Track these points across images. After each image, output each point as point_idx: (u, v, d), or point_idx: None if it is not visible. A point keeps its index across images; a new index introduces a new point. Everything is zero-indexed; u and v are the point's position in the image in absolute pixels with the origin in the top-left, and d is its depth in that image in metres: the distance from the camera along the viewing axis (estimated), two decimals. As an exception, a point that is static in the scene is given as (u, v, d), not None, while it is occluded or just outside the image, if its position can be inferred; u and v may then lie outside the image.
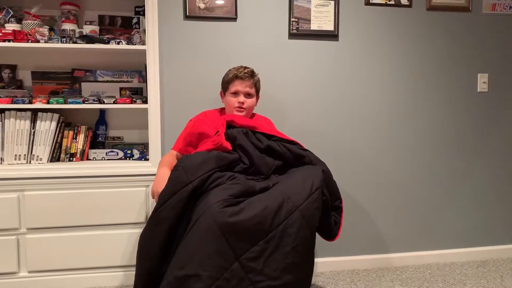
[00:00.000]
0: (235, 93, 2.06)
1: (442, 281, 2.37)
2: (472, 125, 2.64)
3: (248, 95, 2.07)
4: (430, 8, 2.53)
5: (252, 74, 2.08)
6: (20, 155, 2.20)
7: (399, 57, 2.53)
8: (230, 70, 2.11)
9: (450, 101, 2.61)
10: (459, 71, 2.60)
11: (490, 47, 2.62)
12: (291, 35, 2.43)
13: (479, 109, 2.64)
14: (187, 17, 2.33)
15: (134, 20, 2.33)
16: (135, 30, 2.26)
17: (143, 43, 2.22)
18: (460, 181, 2.66)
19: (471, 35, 2.59)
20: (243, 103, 2.05)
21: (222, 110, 2.20)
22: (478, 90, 2.63)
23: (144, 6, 2.19)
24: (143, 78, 2.42)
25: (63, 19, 2.24)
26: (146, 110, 2.24)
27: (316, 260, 2.45)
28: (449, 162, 2.64)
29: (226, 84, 2.10)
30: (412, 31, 2.54)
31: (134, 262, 1.77)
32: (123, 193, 2.19)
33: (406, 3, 2.50)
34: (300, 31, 2.42)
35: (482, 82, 2.62)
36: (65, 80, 2.37)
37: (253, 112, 2.24)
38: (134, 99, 2.27)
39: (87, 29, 2.26)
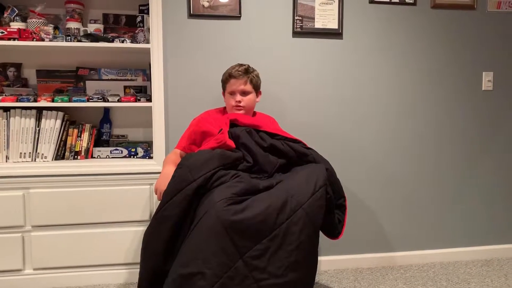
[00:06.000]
0: (232, 93, 2.07)
1: (446, 280, 2.37)
2: (477, 124, 2.63)
3: (243, 93, 2.06)
4: (434, 6, 2.52)
5: (246, 71, 2.06)
6: (25, 153, 2.22)
7: (404, 55, 2.53)
8: (227, 69, 2.11)
9: (455, 99, 2.60)
10: (464, 69, 2.59)
11: (495, 45, 2.61)
12: (295, 34, 2.43)
13: (484, 108, 2.63)
14: (191, 15, 2.34)
15: (139, 19, 2.33)
16: (139, 28, 2.27)
17: (147, 42, 2.22)
18: (464, 180, 2.65)
19: (476, 33, 2.58)
20: (239, 101, 2.04)
21: (225, 109, 2.20)
22: (483, 89, 2.62)
23: (148, 4, 2.20)
24: (147, 77, 2.42)
25: (67, 17, 2.25)
26: (150, 108, 2.24)
27: (320, 258, 2.45)
28: (453, 160, 2.63)
29: (223, 84, 2.12)
30: (417, 30, 2.53)
31: (138, 260, 1.77)
32: (127, 191, 2.20)
33: (411, 1, 2.49)
34: (304, 30, 2.42)
35: (487, 80, 2.61)
36: (69, 79, 2.37)
37: (257, 110, 2.24)
38: (138, 98, 2.28)
39: (92, 28, 2.27)
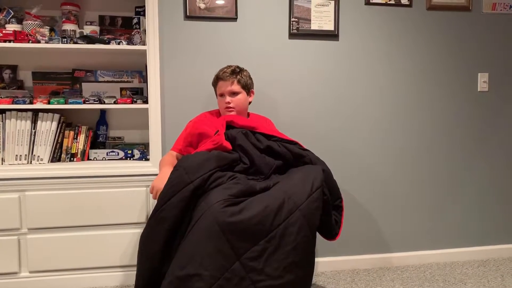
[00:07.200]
0: (221, 95, 2.07)
1: (442, 280, 2.37)
2: (472, 125, 2.64)
3: (232, 93, 2.05)
4: (430, 7, 2.53)
5: (233, 72, 2.06)
6: (21, 155, 2.21)
7: (399, 57, 2.53)
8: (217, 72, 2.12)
9: (450, 100, 2.61)
10: (459, 70, 2.60)
11: (490, 46, 2.62)
12: (291, 35, 2.43)
13: (480, 109, 2.64)
14: (187, 17, 2.34)
15: (135, 21, 2.33)
16: (135, 30, 2.27)
17: (144, 43, 2.22)
18: (460, 181, 2.66)
19: (471, 34, 2.59)
20: (229, 103, 2.04)
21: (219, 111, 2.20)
22: (479, 90, 2.63)
23: (144, 6, 2.20)
24: (144, 78, 2.42)
25: (63, 19, 2.24)
26: (146, 110, 2.24)
27: (317, 259, 2.45)
28: (449, 161, 2.64)
29: (213, 87, 2.13)
30: (412, 31, 2.54)
31: (135, 262, 1.77)
32: (123, 193, 2.20)
33: (406, 3, 2.50)
34: (300, 31, 2.42)
35: (482, 81, 2.62)
36: (65, 81, 2.37)
37: (252, 112, 2.24)
38: (135, 99, 2.27)
39: (88, 30, 2.27)
